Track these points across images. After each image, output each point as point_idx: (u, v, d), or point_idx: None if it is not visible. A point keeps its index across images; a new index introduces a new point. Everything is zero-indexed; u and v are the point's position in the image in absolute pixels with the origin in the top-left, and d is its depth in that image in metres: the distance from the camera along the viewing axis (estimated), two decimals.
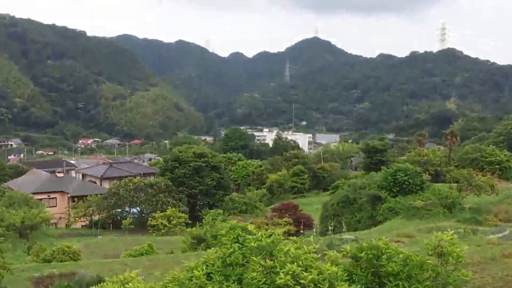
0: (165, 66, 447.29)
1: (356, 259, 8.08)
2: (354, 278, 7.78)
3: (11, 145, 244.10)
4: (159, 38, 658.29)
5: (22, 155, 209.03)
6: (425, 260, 7.66)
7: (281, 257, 7.70)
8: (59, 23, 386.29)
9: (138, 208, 62.02)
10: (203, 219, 37.14)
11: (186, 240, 35.05)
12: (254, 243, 8.04)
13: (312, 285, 7.08)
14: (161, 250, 37.11)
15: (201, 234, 33.87)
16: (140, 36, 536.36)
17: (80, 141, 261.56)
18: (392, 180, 41.89)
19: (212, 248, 8.24)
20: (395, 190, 41.45)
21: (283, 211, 43.59)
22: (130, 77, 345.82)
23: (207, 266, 7.97)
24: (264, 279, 7.37)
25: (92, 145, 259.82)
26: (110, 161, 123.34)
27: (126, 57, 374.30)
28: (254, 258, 7.74)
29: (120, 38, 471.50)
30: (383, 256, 7.78)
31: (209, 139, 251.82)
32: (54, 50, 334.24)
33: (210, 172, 66.10)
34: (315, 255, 7.86)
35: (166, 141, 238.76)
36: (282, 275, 7.10)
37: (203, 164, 65.47)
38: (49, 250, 32.96)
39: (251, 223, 33.38)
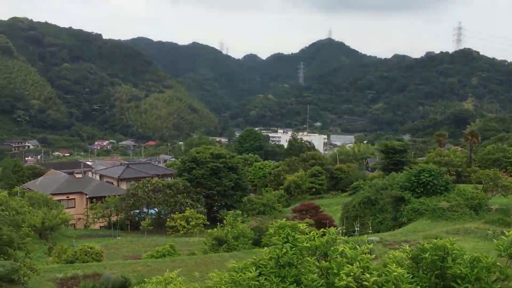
0: (180, 68, 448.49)
1: (417, 260, 7.56)
2: (415, 280, 7.24)
3: (28, 146, 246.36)
4: (174, 40, 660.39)
5: (39, 156, 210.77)
6: (495, 262, 7.13)
7: (336, 257, 7.21)
8: (75, 26, 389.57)
9: (156, 209, 61.78)
10: (225, 220, 36.62)
11: (207, 242, 34.63)
12: (307, 243, 7.58)
13: (376, 287, 6.61)
14: (181, 252, 36.72)
15: (222, 235, 33.45)
16: (155, 38, 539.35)
17: (95, 143, 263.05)
18: (415, 180, 41.07)
19: (265, 248, 7.72)
20: (419, 191, 40.63)
21: (304, 212, 42.99)
22: (145, 79, 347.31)
23: (258, 267, 7.49)
24: (322, 280, 6.90)
25: (108, 147, 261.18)
26: (126, 162, 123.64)
27: (141, 60, 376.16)
28: (309, 259, 7.27)
29: (135, 40, 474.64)
30: (448, 257, 7.25)
31: (224, 140, 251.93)
32: (70, 53, 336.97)
33: (228, 173, 65.67)
34: (370, 255, 7.38)
35: (181, 143, 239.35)
36: (343, 276, 6.62)
37: (221, 165, 65.07)
38: (70, 251, 32.75)
39: (272, 224, 32.79)
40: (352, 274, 6.65)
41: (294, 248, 7.49)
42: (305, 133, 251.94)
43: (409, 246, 8.16)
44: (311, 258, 7.29)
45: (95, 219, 63.06)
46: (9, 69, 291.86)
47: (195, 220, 52.96)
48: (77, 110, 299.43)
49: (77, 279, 23.75)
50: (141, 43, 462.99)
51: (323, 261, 7.31)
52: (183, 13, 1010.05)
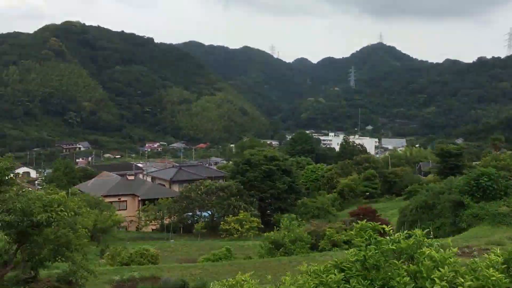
0: (231, 71, 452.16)
1: (510, 264, 7.21)
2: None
3: (80, 148, 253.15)
4: (225, 44, 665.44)
5: (90, 158, 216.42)
6: None
7: (424, 260, 6.95)
8: (127, 30, 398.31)
9: (208, 212, 62.18)
10: (281, 224, 36.49)
11: (263, 245, 34.58)
12: (392, 245, 7.36)
13: None
14: (236, 255, 36.78)
15: (279, 239, 33.33)
16: (206, 42, 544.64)
17: (146, 145, 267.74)
18: (474, 184, 39.83)
19: (350, 249, 7.54)
20: (478, 196, 39.38)
21: (361, 216, 42.34)
22: (196, 82, 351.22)
23: (341, 269, 7.31)
24: (413, 284, 6.67)
25: (158, 149, 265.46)
26: (177, 164, 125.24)
27: (192, 63, 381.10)
28: (396, 262, 7.05)
29: (187, 44, 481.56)
30: None
31: (274, 143, 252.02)
32: (122, 56, 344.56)
33: (281, 175, 65.57)
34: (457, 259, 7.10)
35: (232, 145, 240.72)
36: (437, 280, 6.37)
37: (274, 168, 65.02)
38: (124, 253, 33.18)
39: (330, 227, 32.38)
40: (445, 278, 6.41)
41: (377, 251, 7.29)
42: (357, 136, 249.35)
43: (472, 252, 7.79)
44: (397, 261, 7.08)
45: (148, 222, 63.84)
46: (62, 72, 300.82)
47: (249, 223, 53.12)
48: (128, 112, 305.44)
49: (134, 281, 23.95)
50: (192, 47, 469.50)
51: (411, 264, 7.08)
52: (234, 17, 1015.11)
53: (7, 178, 18.39)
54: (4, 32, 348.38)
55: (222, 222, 54.61)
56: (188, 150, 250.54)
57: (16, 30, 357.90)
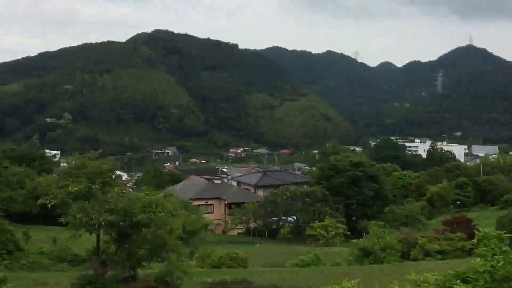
0: (314, 76, 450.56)
1: None
2: None
3: (168, 153, 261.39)
4: (308, 49, 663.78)
5: (177, 162, 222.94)
6: None
7: None
8: (213, 37, 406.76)
9: (293, 217, 61.96)
10: (370, 230, 35.62)
11: (351, 252, 33.88)
12: None
13: None
14: (323, 261, 36.24)
15: (369, 246, 32.51)
16: (289, 47, 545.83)
17: (230, 150, 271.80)
18: None
19: (476, 259, 7.03)
20: None
21: (455, 225, 40.57)
22: (279, 87, 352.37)
23: (464, 280, 6.82)
24: None
25: (242, 154, 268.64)
26: (261, 169, 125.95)
27: (275, 68, 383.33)
28: None
29: (270, 50, 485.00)
30: None
31: (358, 149, 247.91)
32: (207, 62, 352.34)
33: (368, 182, 64.25)
34: None
35: (315, 151, 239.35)
36: None
37: (360, 174, 63.84)
38: (214, 255, 33.54)
39: (421, 236, 31.10)
40: None
41: (506, 261, 6.75)
42: (444, 142, 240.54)
43: None
44: None
45: (234, 225, 64.61)
46: (151, 79, 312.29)
47: (335, 229, 52.37)
48: (213, 118, 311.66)
49: (226, 284, 24.05)
50: (275, 52, 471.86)
51: None
52: (317, 22, 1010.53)
53: (109, 179, 19.07)
54: (98, 41, 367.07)
55: (307, 228, 54.15)
56: (271, 156, 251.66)
57: (109, 39, 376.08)
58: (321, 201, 59.30)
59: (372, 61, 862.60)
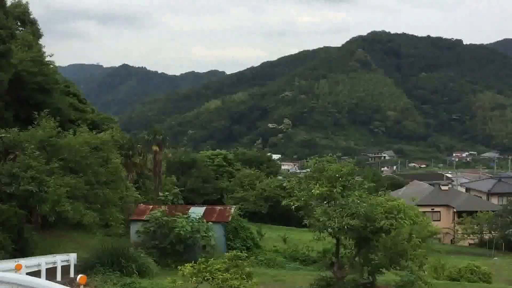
0: None
1: None
2: None
3: (384, 157, 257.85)
4: None
5: (395, 167, 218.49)
6: None
7: None
8: (433, 34, 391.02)
9: None
10: None
11: None
12: None
13: None
14: None
15: None
16: None
17: (454, 154, 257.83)
18: None
19: None
20: None
21: None
22: (511, 85, 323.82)
23: None
24: None
25: (467, 159, 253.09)
26: (491, 175, 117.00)
27: (506, 63, 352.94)
28: None
29: (500, 43, 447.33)
30: None
31: None
32: (427, 62, 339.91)
33: None
34: None
35: None
36: None
37: None
38: (450, 266, 31.77)
39: None
40: None
41: None
42: None
43: None
44: None
45: (465, 235, 60.88)
46: (368, 82, 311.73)
47: None
48: (434, 121, 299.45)
49: None
50: (506, 45, 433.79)
51: None
52: None
53: (348, 183, 19.07)
54: (315, 47, 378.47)
55: None
56: (503, 160, 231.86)
57: (325, 45, 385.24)
58: None
59: None
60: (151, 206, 36.38)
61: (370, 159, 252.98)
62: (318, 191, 17.28)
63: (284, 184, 22.82)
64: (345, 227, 16.62)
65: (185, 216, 32.31)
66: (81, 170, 23.76)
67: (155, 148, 44.52)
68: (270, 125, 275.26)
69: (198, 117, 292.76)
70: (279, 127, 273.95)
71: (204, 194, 62.73)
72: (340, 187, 17.77)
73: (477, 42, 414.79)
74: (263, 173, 67.59)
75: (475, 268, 29.38)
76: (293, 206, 18.73)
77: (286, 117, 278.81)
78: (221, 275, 19.39)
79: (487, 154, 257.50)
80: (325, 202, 17.63)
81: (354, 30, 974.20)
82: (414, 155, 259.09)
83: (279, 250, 35.24)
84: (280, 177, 72.43)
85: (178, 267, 20.06)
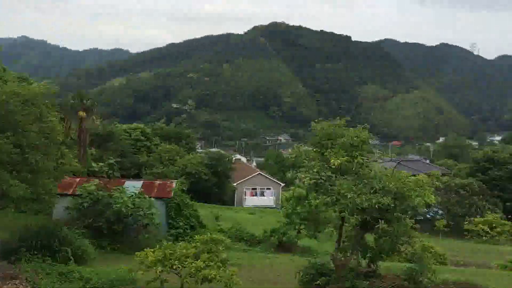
0: (427, 69, 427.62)
1: None
2: None
3: (281, 140, 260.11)
4: (420, 41, 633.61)
5: (290, 149, 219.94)
6: None
7: None
8: (326, 29, 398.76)
9: (436, 209, 55.52)
10: None
11: None
12: None
13: None
14: None
15: None
16: (402, 39, 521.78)
17: None
18: None
19: None
20: None
21: None
22: (391, 80, 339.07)
23: None
24: None
25: None
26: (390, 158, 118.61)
27: (388, 60, 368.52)
28: None
29: (382, 42, 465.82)
30: None
31: (474, 143, 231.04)
32: (321, 54, 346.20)
33: None
34: None
35: (428, 144, 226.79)
36: None
37: None
38: None
39: None
40: None
41: None
42: None
43: None
44: None
45: None
46: (267, 70, 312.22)
47: (500, 226, 45.93)
48: (325, 108, 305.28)
49: (447, 284, 19.57)
50: (388, 44, 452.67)
51: None
52: (430, 13, 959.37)
53: (364, 153, 14.99)
54: (220, 33, 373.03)
55: (466, 222, 48.08)
56: (383, 146, 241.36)
57: (229, 32, 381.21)
58: (477, 194, 52.63)
59: (489, 54, 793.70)
60: (78, 179, 30.53)
61: (267, 141, 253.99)
62: (338, 161, 13.23)
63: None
64: (376, 206, 12.71)
65: (121, 191, 26.87)
66: (10, 129, 17.48)
67: (81, 114, 38.14)
68: (174, 105, 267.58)
69: (102, 94, 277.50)
70: (183, 107, 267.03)
71: (122, 169, 56.61)
72: (362, 157, 13.85)
73: (363, 40, 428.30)
74: (183, 149, 62.46)
75: (431, 248, 26.84)
76: (304, 180, 14.45)
77: (190, 98, 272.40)
78: (193, 262, 14.89)
79: (370, 141, 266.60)
80: (342, 176, 13.61)
81: (256, 19, 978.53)
82: (308, 139, 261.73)
83: (223, 229, 30.83)
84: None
85: (127, 251, 15.23)
